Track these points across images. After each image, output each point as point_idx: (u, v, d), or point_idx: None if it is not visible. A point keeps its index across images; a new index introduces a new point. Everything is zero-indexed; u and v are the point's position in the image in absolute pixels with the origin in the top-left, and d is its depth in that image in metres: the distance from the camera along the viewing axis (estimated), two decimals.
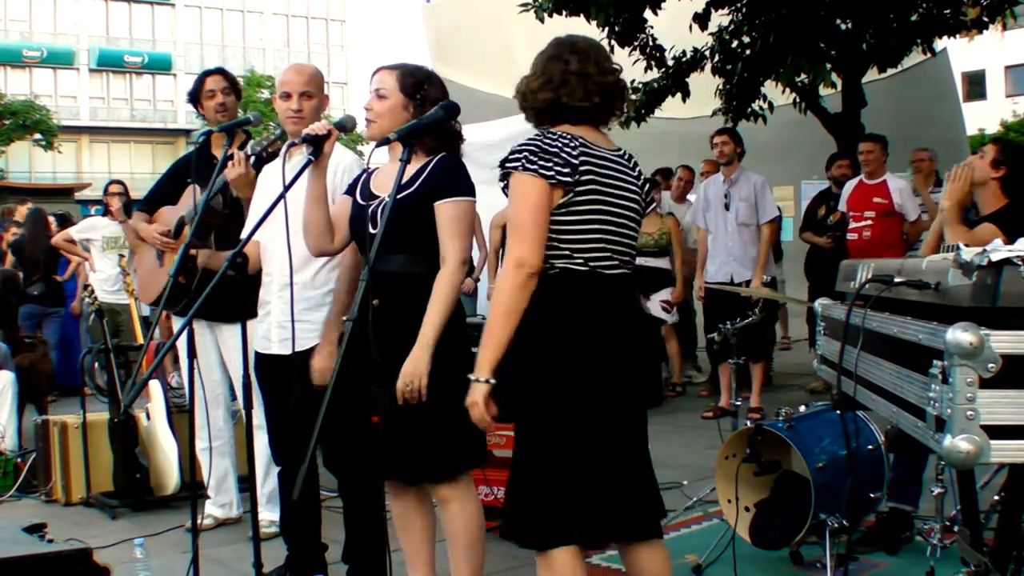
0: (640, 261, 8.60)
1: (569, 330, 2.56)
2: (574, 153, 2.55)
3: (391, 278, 3.03)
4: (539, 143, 2.56)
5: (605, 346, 2.57)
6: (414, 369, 2.95)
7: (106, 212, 8.33)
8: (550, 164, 2.53)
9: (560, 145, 2.55)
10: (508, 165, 2.57)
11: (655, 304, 7.78)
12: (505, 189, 2.63)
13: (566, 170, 2.54)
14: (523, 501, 2.59)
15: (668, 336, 7.99)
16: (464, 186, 3.12)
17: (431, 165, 3.10)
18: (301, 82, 3.68)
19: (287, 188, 2.99)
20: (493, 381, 2.54)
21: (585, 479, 2.55)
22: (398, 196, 2.85)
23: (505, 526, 2.68)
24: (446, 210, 3.05)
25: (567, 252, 2.58)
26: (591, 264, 2.59)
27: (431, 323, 2.98)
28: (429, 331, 2.98)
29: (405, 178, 3.01)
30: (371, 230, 3.06)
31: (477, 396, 2.55)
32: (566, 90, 2.64)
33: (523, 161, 2.54)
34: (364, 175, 3.28)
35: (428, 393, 2.96)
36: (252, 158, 3.72)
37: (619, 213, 2.65)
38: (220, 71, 4.76)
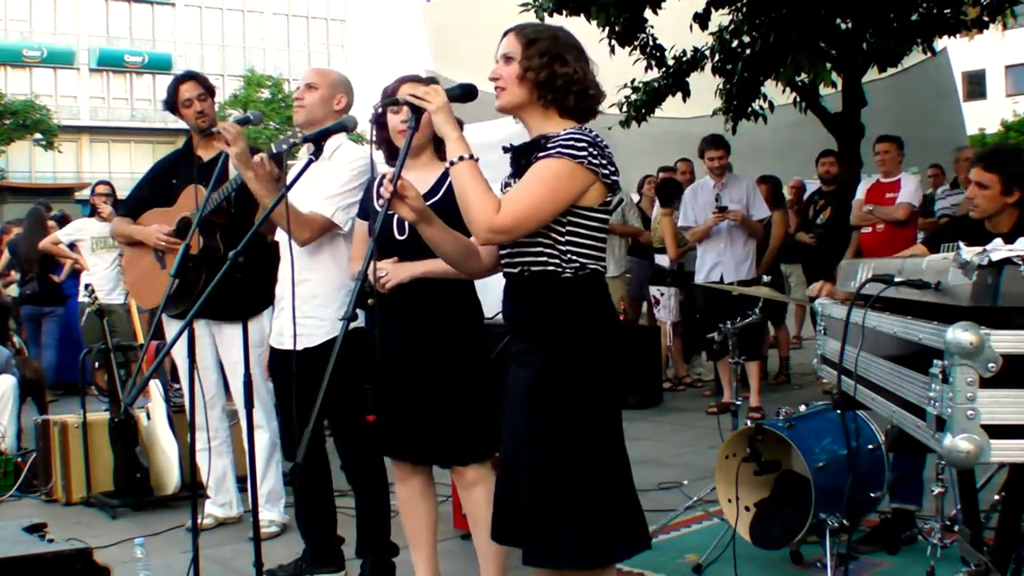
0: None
1: (606, 333, 2.49)
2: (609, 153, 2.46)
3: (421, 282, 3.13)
4: (594, 140, 2.42)
5: (620, 349, 2.55)
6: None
7: (92, 213, 8.26)
8: (606, 163, 2.42)
9: (605, 145, 2.45)
10: (571, 153, 2.37)
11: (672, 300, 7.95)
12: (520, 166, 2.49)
13: (613, 168, 2.45)
14: (569, 518, 2.39)
15: (674, 333, 8.20)
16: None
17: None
18: (309, 75, 3.84)
19: (288, 187, 3.01)
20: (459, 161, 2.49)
21: (625, 487, 2.50)
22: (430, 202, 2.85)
23: (536, 550, 2.45)
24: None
25: (596, 255, 2.48)
26: (601, 264, 2.53)
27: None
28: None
29: (430, 184, 3.16)
30: (397, 236, 3.18)
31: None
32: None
33: (588, 156, 2.38)
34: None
35: (458, 378, 3.13)
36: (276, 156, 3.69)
37: None
38: (192, 76, 4.61)
